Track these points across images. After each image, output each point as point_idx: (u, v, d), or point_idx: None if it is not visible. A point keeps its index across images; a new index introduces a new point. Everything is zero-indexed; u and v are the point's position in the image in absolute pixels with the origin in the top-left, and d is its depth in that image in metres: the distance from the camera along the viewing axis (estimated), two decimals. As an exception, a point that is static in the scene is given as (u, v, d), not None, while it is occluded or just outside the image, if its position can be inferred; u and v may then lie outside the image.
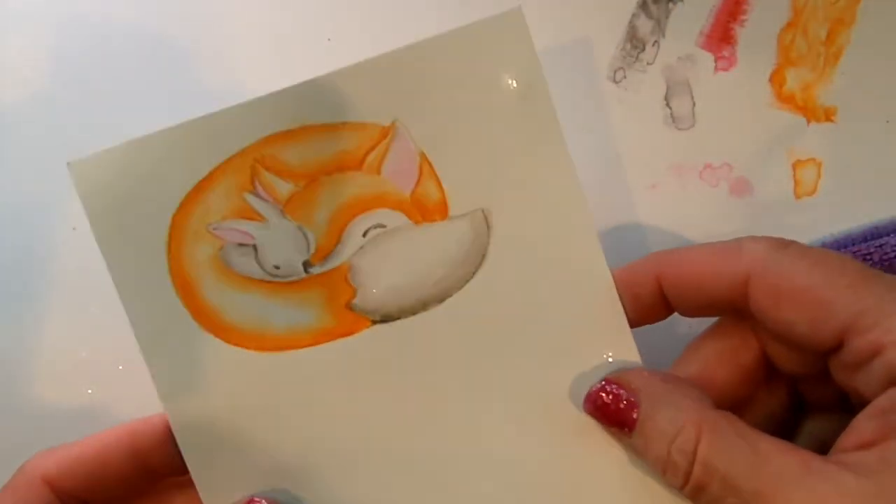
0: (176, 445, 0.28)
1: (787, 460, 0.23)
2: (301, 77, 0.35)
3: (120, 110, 0.35)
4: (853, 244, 0.34)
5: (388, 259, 0.29)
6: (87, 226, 0.34)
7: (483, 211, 0.29)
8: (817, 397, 0.29)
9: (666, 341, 0.35)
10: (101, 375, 0.34)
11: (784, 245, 0.27)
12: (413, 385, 0.29)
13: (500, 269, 0.29)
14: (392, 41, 0.35)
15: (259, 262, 0.30)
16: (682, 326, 0.35)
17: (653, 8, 0.35)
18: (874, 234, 0.34)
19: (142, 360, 0.34)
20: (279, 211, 0.29)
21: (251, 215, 0.29)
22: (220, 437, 0.29)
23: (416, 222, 0.29)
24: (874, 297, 0.24)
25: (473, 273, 0.29)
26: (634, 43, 0.35)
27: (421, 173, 0.29)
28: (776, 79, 0.35)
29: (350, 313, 0.29)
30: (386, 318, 0.29)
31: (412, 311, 0.29)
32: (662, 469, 0.25)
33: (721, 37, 0.35)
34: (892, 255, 0.32)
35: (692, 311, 0.29)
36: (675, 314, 0.30)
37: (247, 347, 0.29)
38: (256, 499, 0.28)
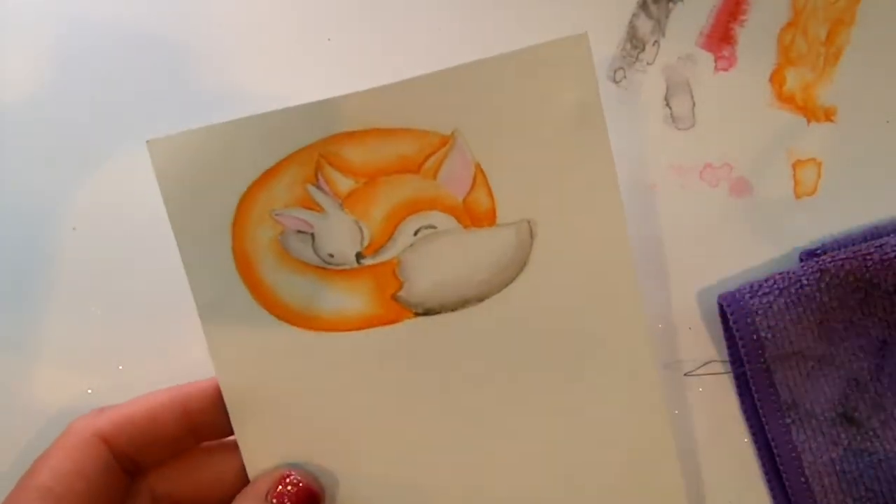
0: (224, 410, 0.30)
1: None
2: (300, 77, 0.35)
3: (121, 109, 0.35)
4: (853, 244, 0.34)
5: (435, 258, 0.32)
6: (87, 226, 0.34)
7: (529, 222, 0.31)
8: None
9: (685, 350, 0.35)
10: (101, 375, 0.34)
11: None
12: (447, 374, 0.32)
13: (538, 277, 0.31)
14: (392, 41, 0.35)
15: (315, 249, 0.32)
16: (688, 335, 0.35)
17: (653, 8, 0.35)
18: (874, 234, 0.34)
19: (142, 360, 0.34)
20: (338, 204, 0.31)
21: (312, 206, 0.31)
22: (266, 405, 0.31)
23: (465, 226, 0.31)
24: None
25: (513, 278, 0.31)
26: (634, 43, 0.35)
27: (475, 182, 0.31)
28: (776, 79, 0.35)
29: (395, 304, 0.32)
30: (428, 312, 0.32)
31: (452, 307, 0.31)
32: None
33: (721, 37, 0.35)
34: (892, 255, 0.32)
35: None
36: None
37: (297, 325, 0.32)
38: (292, 474, 0.30)
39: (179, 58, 0.35)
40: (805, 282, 0.33)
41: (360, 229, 0.32)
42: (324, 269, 0.32)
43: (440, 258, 0.32)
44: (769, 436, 0.33)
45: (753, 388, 0.33)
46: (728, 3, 0.35)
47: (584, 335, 0.31)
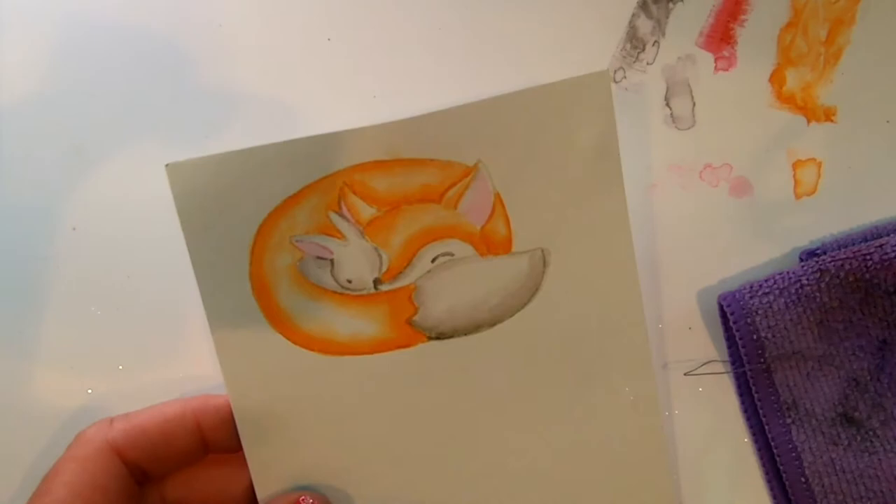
0: (235, 428, 0.31)
1: None
2: (300, 77, 0.35)
3: (121, 110, 0.35)
4: (853, 244, 0.34)
5: (451, 284, 0.32)
6: (86, 226, 0.34)
7: (542, 250, 0.32)
8: None
9: (685, 350, 0.35)
10: (101, 375, 0.34)
11: None
12: (458, 396, 0.32)
13: (549, 303, 0.32)
14: (391, 41, 0.35)
15: (333, 275, 0.32)
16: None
17: (653, 8, 0.35)
18: (874, 234, 0.34)
19: (142, 360, 0.34)
20: (360, 231, 0.32)
21: (333, 232, 0.32)
22: (278, 428, 0.32)
23: (482, 254, 0.32)
24: None
25: (525, 304, 0.32)
26: (634, 43, 0.35)
27: (493, 211, 0.32)
28: (776, 79, 0.35)
29: (409, 328, 0.32)
30: (441, 336, 0.32)
31: (465, 331, 0.32)
32: None
33: (721, 37, 0.35)
34: (892, 255, 0.32)
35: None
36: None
37: (311, 349, 0.32)
38: (306, 496, 0.31)
39: (180, 57, 0.35)
40: (805, 282, 0.33)
41: (380, 256, 0.32)
42: (341, 294, 0.32)
43: (456, 284, 0.32)
44: (769, 436, 0.33)
45: (753, 388, 0.33)
46: (728, 3, 0.35)
47: (591, 360, 0.32)
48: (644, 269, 0.35)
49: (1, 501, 0.33)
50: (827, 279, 0.32)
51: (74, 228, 0.34)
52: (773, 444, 0.33)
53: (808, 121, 0.35)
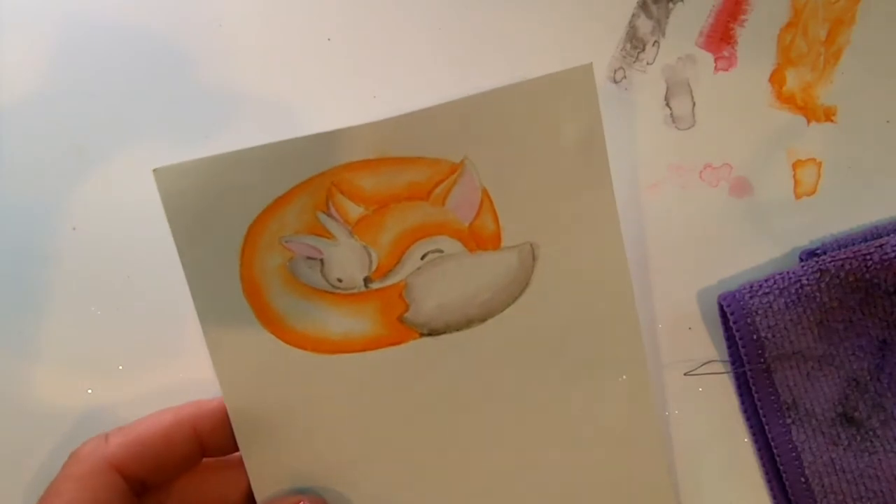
0: (232, 430, 0.31)
1: None
2: (300, 77, 0.35)
3: (121, 110, 0.35)
4: (853, 244, 0.34)
5: (441, 280, 0.33)
6: (86, 226, 0.34)
7: (531, 245, 0.32)
8: None
9: (685, 350, 0.35)
10: (101, 375, 0.34)
11: None
12: (452, 392, 0.33)
13: (539, 296, 0.32)
14: (391, 41, 0.35)
15: (324, 275, 0.32)
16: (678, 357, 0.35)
17: (653, 8, 0.35)
18: (874, 234, 0.34)
19: (142, 360, 0.34)
20: (348, 231, 0.32)
21: (322, 232, 0.32)
22: (273, 428, 0.32)
23: (471, 250, 0.32)
24: None
25: (516, 298, 0.32)
26: (634, 43, 0.35)
27: (481, 207, 0.32)
28: (776, 79, 0.35)
29: (401, 325, 0.32)
30: (433, 332, 0.33)
31: (457, 327, 0.32)
32: None
33: (721, 37, 0.35)
34: (892, 255, 0.32)
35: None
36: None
37: (304, 349, 0.32)
38: (303, 500, 0.31)
39: (180, 57, 0.35)
40: (805, 282, 0.33)
41: (369, 254, 0.32)
42: (332, 293, 0.32)
43: (446, 280, 0.33)
44: (769, 436, 0.33)
45: (753, 388, 0.33)
46: (728, 3, 0.35)
47: (583, 353, 0.32)
48: (644, 269, 0.35)
49: (2, 501, 0.33)
50: (827, 279, 0.32)
51: (74, 228, 0.34)
52: (773, 444, 0.33)
53: (808, 121, 0.35)
